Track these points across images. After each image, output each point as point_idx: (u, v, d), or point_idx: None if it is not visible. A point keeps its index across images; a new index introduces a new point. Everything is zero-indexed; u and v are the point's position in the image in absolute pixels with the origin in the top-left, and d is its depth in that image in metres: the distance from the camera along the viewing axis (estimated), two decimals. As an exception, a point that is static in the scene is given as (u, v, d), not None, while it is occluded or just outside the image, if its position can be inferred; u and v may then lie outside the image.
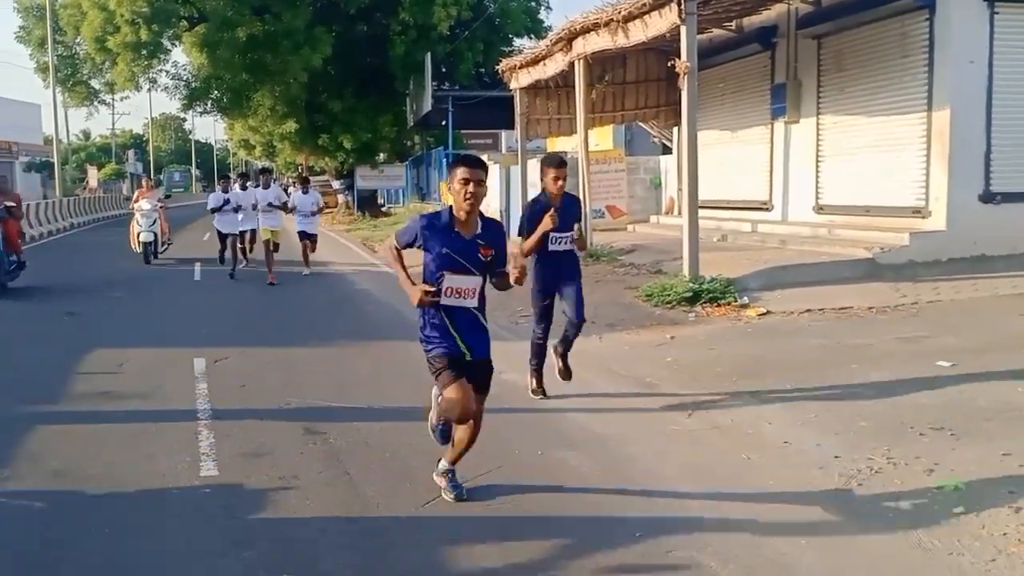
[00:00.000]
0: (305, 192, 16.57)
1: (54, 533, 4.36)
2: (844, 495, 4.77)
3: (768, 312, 9.82)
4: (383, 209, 37.93)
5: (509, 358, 8.56)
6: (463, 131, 36.03)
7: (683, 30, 10.56)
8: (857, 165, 12.89)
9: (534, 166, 19.51)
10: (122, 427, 6.21)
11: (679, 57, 10.74)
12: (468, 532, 4.38)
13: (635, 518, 4.52)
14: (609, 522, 4.50)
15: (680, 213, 18.25)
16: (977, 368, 7.07)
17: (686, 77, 10.58)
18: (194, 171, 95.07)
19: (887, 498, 4.69)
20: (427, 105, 31.81)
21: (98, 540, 4.28)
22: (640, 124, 21.14)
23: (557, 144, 25.82)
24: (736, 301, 10.12)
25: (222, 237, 16.39)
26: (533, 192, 19.06)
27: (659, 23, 11.21)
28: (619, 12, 11.98)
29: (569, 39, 14.04)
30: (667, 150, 20.60)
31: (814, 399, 6.59)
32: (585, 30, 13.32)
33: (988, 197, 11.24)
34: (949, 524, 4.33)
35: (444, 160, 32.22)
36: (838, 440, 5.63)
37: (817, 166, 13.78)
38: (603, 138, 23.19)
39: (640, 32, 11.74)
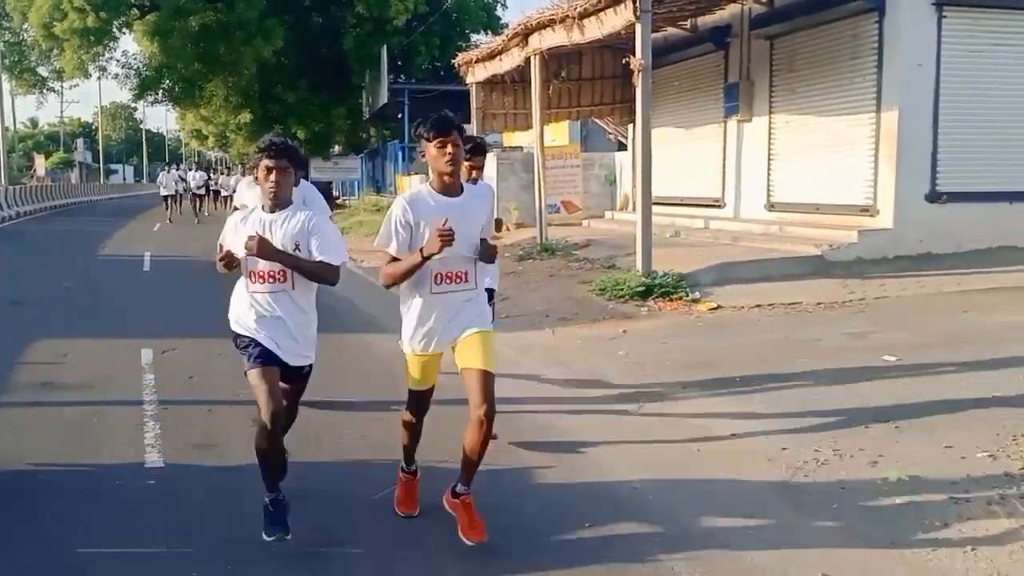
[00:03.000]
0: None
1: (-8, 526, 4.24)
2: (791, 486, 4.84)
3: (719, 307, 9.92)
4: (338, 201, 37.63)
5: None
6: (420, 125, 35.83)
7: (638, 28, 10.61)
8: (808, 164, 13.07)
9: (490, 160, 19.53)
10: (64, 418, 6.08)
11: (634, 55, 10.81)
12: (418, 523, 4.36)
13: (585, 508, 4.54)
14: (559, 511, 4.51)
15: (634, 209, 18.42)
16: (922, 363, 7.21)
17: (640, 74, 10.64)
18: (144, 161, 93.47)
19: (833, 489, 4.76)
20: (383, 98, 31.63)
21: (36, 534, 4.16)
22: (596, 121, 21.27)
23: (514, 139, 25.81)
24: (688, 296, 10.21)
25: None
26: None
27: (614, 20, 11.26)
28: (575, 9, 12.01)
29: (525, 35, 14.04)
30: (622, 147, 20.72)
31: (763, 392, 6.67)
32: (541, 26, 13.34)
33: (934, 196, 11.46)
34: (893, 514, 4.41)
35: (400, 153, 32.10)
36: (785, 432, 5.70)
37: (769, 164, 13.95)
38: (559, 134, 23.24)
39: (596, 29, 11.78)
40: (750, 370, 7.26)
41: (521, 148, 23.42)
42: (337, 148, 40.84)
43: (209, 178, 34.38)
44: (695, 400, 6.56)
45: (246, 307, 4.35)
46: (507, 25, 33.91)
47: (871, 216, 11.78)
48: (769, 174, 13.97)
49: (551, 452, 5.46)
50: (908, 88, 11.32)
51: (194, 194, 31.13)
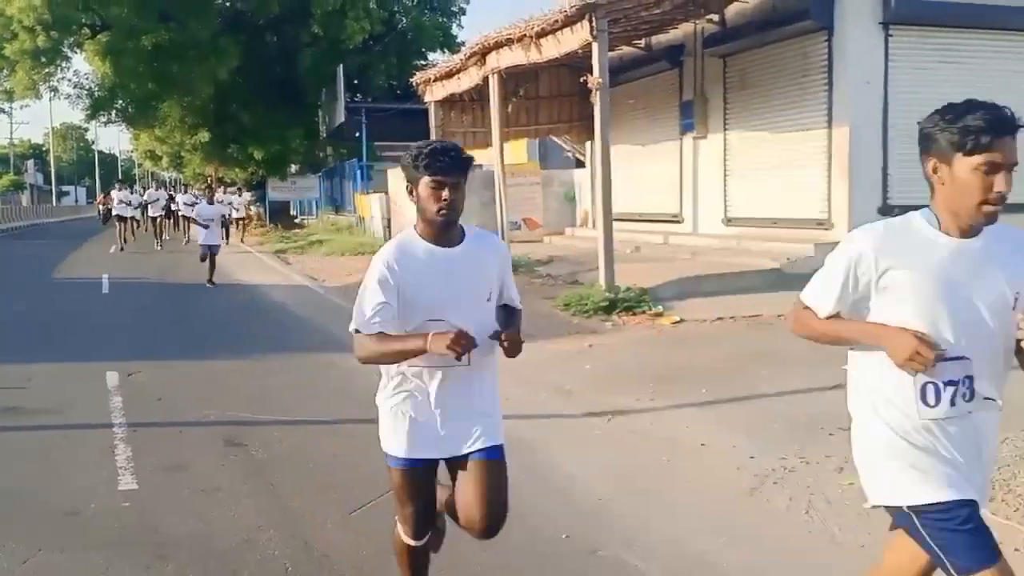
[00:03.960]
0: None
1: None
2: (760, 494, 4.96)
3: (682, 320, 10.08)
4: (296, 220, 37.44)
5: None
6: (377, 143, 35.89)
7: (595, 47, 10.80)
8: (763, 179, 13.35)
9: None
10: (33, 442, 6.02)
11: (591, 73, 10.98)
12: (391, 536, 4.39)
13: (562, 519, 4.62)
14: (536, 523, 4.58)
15: (594, 225, 18.62)
16: (879, 371, 7.38)
17: (598, 92, 10.82)
18: (97, 183, 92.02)
19: (801, 495, 4.89)
20: (340, 117, 31.59)
21: (12, 559, 4.12)
22: (554, 138, 21.46)
23: (474, 158, 25.92)
24: (651, 310, 10.36)
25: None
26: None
27: (571, 40, 11.43)
28: (532, 28, 12.17)
29: (483, 53, 14.17)
30: (580, 164, 20.93)
31: (728, 403, 6.80)
32: (499, 45, 13.48)
33: (886, 210, 11.75)
34: (859, 518, 4.54)
35: (358, 172, 32.02)
36: (752, 441, 5.83)
37: (725, 180, 14.23)
38: (517, 151, 23.38)
39: (553, 48, 11.96)
40: (715, 382, 7.40)
41: (480, 166, 23.51)
42: (294, 167, 40.63)
43: (170, 198, 31.98)
44: (662, 412, 6.67)
45: None
46: (463, 44, 34.05)
47: (826, 229, 12.07)
48: (725, 189, 14.24)
49: (522, 464, 5.50)
50: (857, 105, 11.65)
51: (152, 217, 28.14)
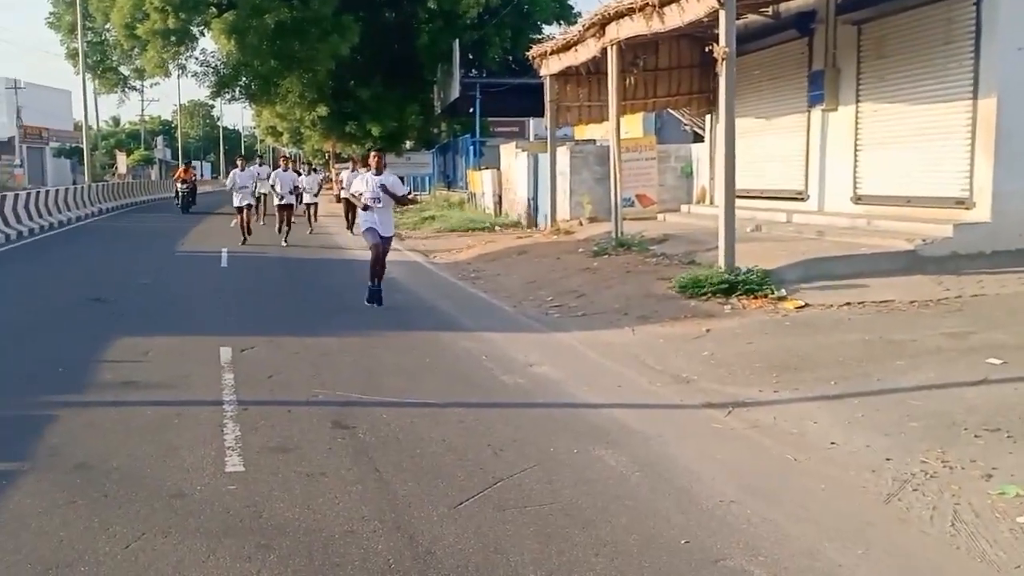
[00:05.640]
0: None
1: (70, 534, 4.18)
2: (899, 501, 4.53)
3: (806, 305, 9.53)
4: (409, 196, 37.80)
5: (541, 350, 8.41)
6: (490, 119, 35.88)
7: (722, 14, 10.25)
8: (898, 155, 12.52)
9: (563, 153, 19.30)
10: (146, 418, 6.05)
11: (715, 43, 10.46)
12: (505, 535, 4.18)
13: (681, 523, 4.31)
14: (653, 526, 4.29)
15: (712, 202, 17.99)
16: (1030, 366, 6.77)
17: (724, 63, 10.29)
18: (222, 158, 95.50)
19: (945, 504, 4.45)
20: (455, 92, 31.61)
21: (115, 542, 4.08)
22: (671, 112, 20.83)
23: (587, 132, 25.51)
24: (773, 293, 9.83)
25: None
26: (562, 180, 18.94)
27: (696, 8, 10.91)
28: (655, -4, 11.69)
29: (602, 24, 13.75)
30: (698, 138, 20.26)
31: (859, 397, 6.33)
32: (619, 15, 13.03)
33: (1034, 188, 10.86)
34: (1013, 534, 4.08)
35: (471, 148, 32.03)
36: (888, 441, 5.38)
37: (856, 155, 13.42)
38: (633, 126, 22.84)
39: (676, 17, 11.44)
40: (844, 373, 6.93)
41: (594, 141, 23.11)
42: (408, 144, 41.03)
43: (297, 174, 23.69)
44: (788, 405, 6.26)
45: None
46: (580, 16, 33.67)
47: (967, 209, 11.22)
48: (856, 165, 13.44)
49: (638, 460, 5.23)
50: (1007, 74, 10.72)
51: (307, 204, 22.93)
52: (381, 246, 10.74)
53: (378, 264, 10.78)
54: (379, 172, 10.73)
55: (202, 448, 5.36)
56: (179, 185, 32.30)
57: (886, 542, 4.12)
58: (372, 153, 11.48)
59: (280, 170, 20.94)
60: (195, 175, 37.35)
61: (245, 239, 19.52)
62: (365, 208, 10.81)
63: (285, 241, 19.41)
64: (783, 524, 4.30)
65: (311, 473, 4.94)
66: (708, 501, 4.60)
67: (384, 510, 4.44)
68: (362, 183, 10.83)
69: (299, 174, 22.90)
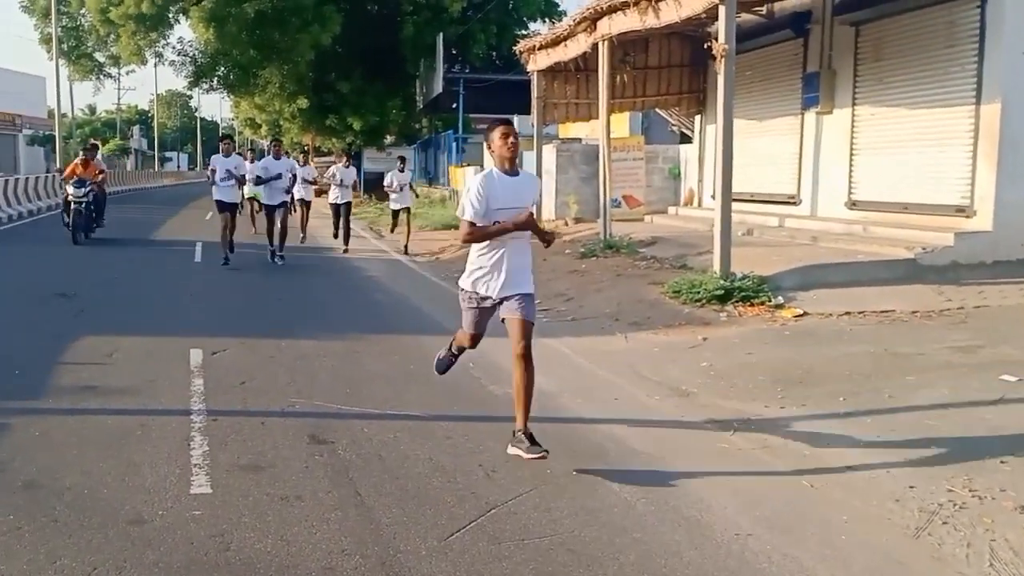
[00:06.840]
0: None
1: (11, 568, 3.69)
2: (929, 536, 4.15)
3: (805, 314, 9.18)
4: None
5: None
6: (473, 115, 35.39)
7: (722, 10, 9.86)
8: (895, 160, 12.21)
9: (550, 151, 18.87)
10: (106, 429, 5.55)
11: (710, 40, 10.10)
12: (500, 572, 3.75)
13: (695, 560, 3.90)
14: (665, 564, 3.87)
15: (701, 204, 17.64)
16: (1048, 384, 6.43)
17: (723, 61, 9.91)
18: (199, 149, 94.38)
19: (979, 540, 4.07)
20: (438, 87, 31.13)
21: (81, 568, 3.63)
22: (658, 112, 20.47)
23: (571, 130, 25.11)
24: (770, 301, 9.48)
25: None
26: (548, 179, 18.48)
27: (694, 3, 10.52)
28: (651, -10, 11.29)
29: (594, 19, 13.34)
30: (686, 139, 19.91)
31: (872, 415, 5.96)
32: (612, 9, 12.62)
33: (1039, 196, 10.57)
34: (1062, 579, 3.71)
35: (454, 144, 31.56)
36: (909, 467, 5.01)
37: (851, 160, 13.10)
38: (620, 125, 22.46)
39: (673, 12, 11.04)
40: (854, 388, 6.56)
41: (580, 140, 22.71)
42: (390, 138, 40.46)
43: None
44: (796, 423, 5.87)
45: None
46: (565, 12, 33.29)
47: (967, 217, 10.92)
48: (851, 170, 13.11)
49: (641, 484, 4.81)
50: (1012, 79, 10.43)
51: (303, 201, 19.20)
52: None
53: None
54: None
55: (165, 466, 4.88)
56: (71, 190, 17.22)
57: (922, 585, 3.74)
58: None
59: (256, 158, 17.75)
60: (104, 172, 20.50)
61: (227, 258, 14.07)
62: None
63: (276, 259, 14.62)
64: (807, 563, 3.90)
65: (285, 496, 4.49)
66: (722, 534, 4.19)
67: (367, 542, 3.99)
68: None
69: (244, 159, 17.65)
